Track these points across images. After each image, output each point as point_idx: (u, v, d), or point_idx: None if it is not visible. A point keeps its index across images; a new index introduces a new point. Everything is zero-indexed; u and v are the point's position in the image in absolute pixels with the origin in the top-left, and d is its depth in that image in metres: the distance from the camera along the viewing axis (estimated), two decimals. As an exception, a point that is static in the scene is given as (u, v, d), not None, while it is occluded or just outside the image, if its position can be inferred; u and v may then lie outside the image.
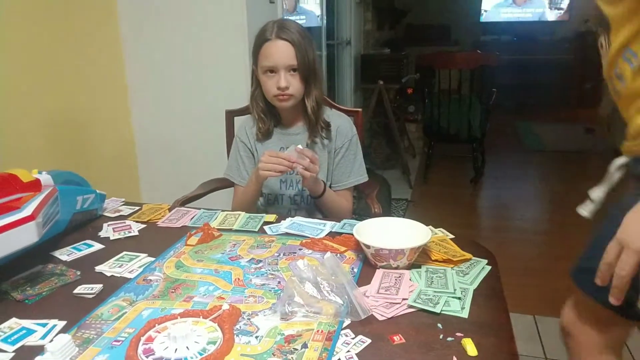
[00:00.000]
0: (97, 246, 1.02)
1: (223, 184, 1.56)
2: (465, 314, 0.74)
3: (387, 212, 2.76)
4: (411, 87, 4.57)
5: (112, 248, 1.01)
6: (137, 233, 1.08)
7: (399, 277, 0.84)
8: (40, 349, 0.67)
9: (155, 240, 1.05)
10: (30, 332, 0.72)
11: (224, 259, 0.94)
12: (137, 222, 1.14)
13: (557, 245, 2.60)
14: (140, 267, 0.92)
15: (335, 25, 3.89)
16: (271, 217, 1.13)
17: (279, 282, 0.85)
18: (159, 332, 0.70)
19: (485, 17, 6.67)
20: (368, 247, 0.87)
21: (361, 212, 1.56)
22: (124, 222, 1.13)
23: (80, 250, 1.00)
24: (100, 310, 0.78)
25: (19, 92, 1.62)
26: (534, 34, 6.38)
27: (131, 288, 0.85)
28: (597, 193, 0.93)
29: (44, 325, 0.74)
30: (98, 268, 0.92)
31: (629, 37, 0.76)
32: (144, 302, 0.80)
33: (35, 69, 1.68)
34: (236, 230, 1.08)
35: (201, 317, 0.74)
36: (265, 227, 1.08)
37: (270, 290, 0.82)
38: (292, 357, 0.65)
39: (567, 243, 2.49)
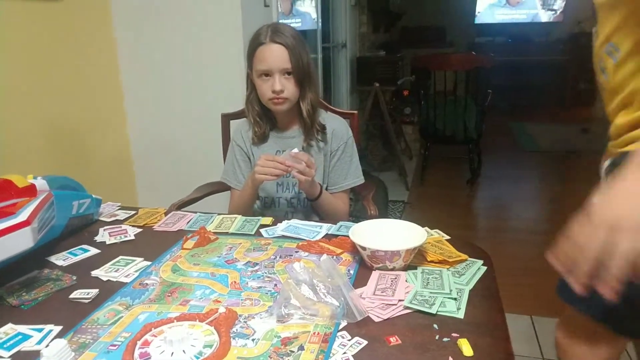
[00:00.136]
0: (93, 251, 1.02)
1: (219, 187, 1.56)
2: (461, 315, 0.74)
3: (384, 214, 2.76)
4: (407, 89, 4.58)
5: (108, 252, 1.01)
6: (133, 237, 1.08)
7: (395, 278, 0.84)
8: (36, 354, 0.67)
9: (152, 244, 1.05)
10: (26, 337, 0.72)
11: (220, 262, 0.94)
12: (133, 226, 1.14)
13: (553, 246, 2.60)
14: (136, 271, 0.92)
15: (331, 28, 3.90)
16: (267, 220, 1.13)
17: (276, 285, 0.85)
18: (156, 336, 0.70)
19: (478, 19, 6.71)
20: (364, 248, 0.87)
21: (357, 214, 1.57)
22: (120, 227, 1.13)
23: (76, 255, 1.00)
24: (97, 314, 0.78)
25: (14, 97, 1.62)
26: (529, 35, 6.41)
27: (127, 292, 0.84)
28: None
29: (39, 330, 0.74)
30: (94, 273, 0.91)
31: (612, 29, 0.74)
32: (140, 306, 0.80)
33: (31, 74, 1.68)
34: (232, 234, 1.08)
35: (197, 320, 0.74)
36: (262, 230, 1.08)
37: (267, 293, 0.82)
38: (288, 360, 0.65)
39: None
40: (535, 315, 1.98)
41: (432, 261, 0.90)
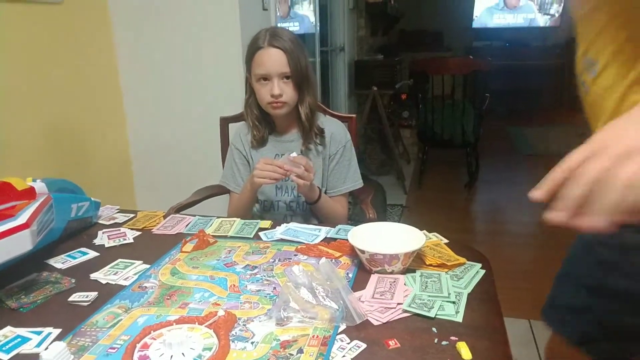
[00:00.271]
0: (92, 254, 1.02)
1: (218, 190, 1.56)
2: (459, 318, 0.74)
3: (382, 217, 2.77)
4: (405, 92, 4.59)
5: (107, 255, 1.01)
6: (132, 240, 1.08)
7: (394, 281, 0.84)
8: (35, 357, 0.66)
9: (150, 247, 1.05)
10: (25, 340, 0.72)
11: (219, 265, 0.95)
12: (132, 229, 1.14)
13: (551, 249, 2.61)
14: (135, 274, 0.92)
15: (329, 32, 3.91)
16: (266, 224, 1.13)
17: (275, 288, 0.85)
18: (155, 339, 0.71)
19: (476, 22, 6.74)
20: (363, 252, 0.87)
21: (356, 218, 1.57)
22: (119, 230, 1.13)
23: (75, 258, 1.00)
24: (96, 317, 0.78)
25: (13, 99, 1.62)
26: (526, 39, 6.45)
27: (126, 295, 0.84)
28: None
29: (38, 333, 0.74)
30: (93, 275, 0.91)
31: (589, 41, 0.72)
32: (139, 309, 0.80)
33: (30, 76, 1.68)
34: (231, 237, 1.08)
35: (197, 323, 0.74)
36: (261, 234, 1.08)
37: (266, 296, 0.83)
38: (287, 363, 0.65)
39: (561, 247, 2.50)
40: (534, 319, 1.98)
41: (430, 264, 0.90)
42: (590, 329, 0.77)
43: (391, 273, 0.87)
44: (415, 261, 0.90)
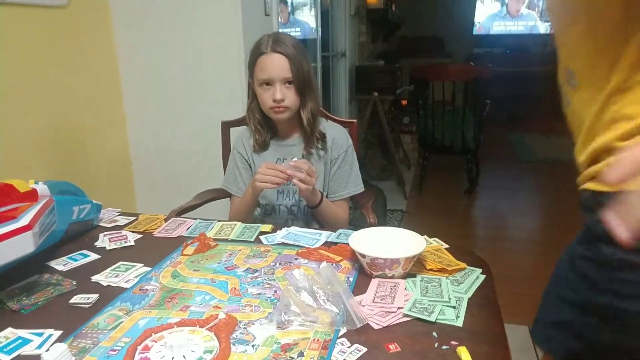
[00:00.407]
0: (93, 256, 1.02)
1: (219, 194, 1.57)
2: (460, 323, 0.74)
3: (382, 222, 2.77)
4: (405, 98, 4.61)
5: (108, 258, 1.01)
6: (133, 243, 1.08)
7: (394, 286, 0.84)
8: (36, 359, 0.67)
9: (152, 250, 1.05)
10: (26, 341, 0.72)
11: (220, 268, 0.95)
12: (133, 232, 1.14)
13: (551, 255, 2.61)
14: (136, 276, 0.92)
15: (330, 37, 3.93)
16: (267, 227, 1.14)
17: (275, 292, 0.85)
18: (156, 342, 0.71)
19: (478, 29, 6.77)
20: (363, 256, 0.88)
21: (356, 223, 1.57)
22: (120, 232, 1.14)
23: (76, 260, 1.00)
24: (97, 319, 0.78)
25: (15, 101, 1.63)
26: (527, 46, 6.47)
27: (127, 298, 0.85)
28: None
29: (39, 334, 0.74)
30: (94, 278, 0.92)
31: (567, 55, 0.71)
32: (140, 311, 0.80)
33: (32, 79, 1.69)
34: (232, 240, 1.08)
35: (198, 326, 0.74)
36: (261, 237, 1.09)
37: (267, 300, 0.83)
38: (288, 366, 0.65)
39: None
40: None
41: (431, 269, 0.90)
42: (574, 345, 0.77)
43: (392, 277, 0.87)
44: (416, 266, 0.90)
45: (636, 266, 0.64)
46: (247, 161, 1.38)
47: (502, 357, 0.68)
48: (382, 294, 0.82)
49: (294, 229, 1.12)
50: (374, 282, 0.86)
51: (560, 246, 0.85)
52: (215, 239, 1.08)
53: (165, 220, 1.21)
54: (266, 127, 1.35)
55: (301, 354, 0.68)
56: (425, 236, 0.97)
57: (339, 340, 0.71)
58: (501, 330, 0.75)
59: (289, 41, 1.25)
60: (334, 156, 1.35)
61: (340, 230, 1.10)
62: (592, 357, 0.76)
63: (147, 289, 0.87)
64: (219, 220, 1.19)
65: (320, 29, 3.56)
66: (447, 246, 1.00)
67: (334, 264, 0.95)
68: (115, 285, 0.89)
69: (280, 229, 1.12)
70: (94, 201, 1.18)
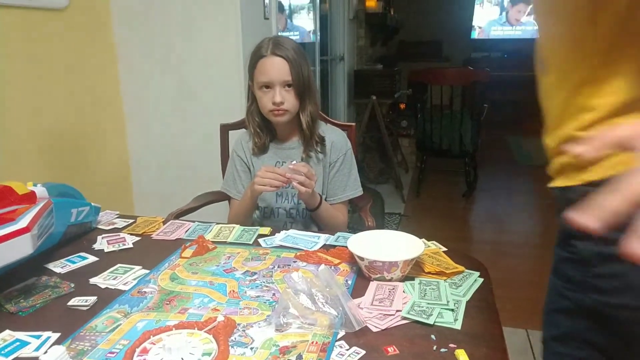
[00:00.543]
0: (91, 258, 1.02)
1: (217, 197, 1.57)
2: (458, 326, 0.75)
3: (380, 226, 2.77)
4: (404, 102, 4.62)
5: (107, 260, 1.01)
6: (131, 245, 1.08)
7: (393, 289, 0.85)
8: (34, 361, 0.67)
9: (150, 252, 1.05)
10: (24, 343, 0.72)
11: (218, 271, 0.95)
12: (131, 234, 1.14)
13: (549, 259, 2.62)
14: (134, 279, 0.92)
15: (329, 41, 3.94)
16: (265, 230, 1.14)
17: (274, 294, 0.85)
18: (154, 344, 0.71)
19: (478, 34, 6.79)
20: (362, 259, 0.88)
21: (354, 226, 1.57)
22: (119, 235, 1.14)
23: (74, 262, 1.00)
24: (95, 322, 0.78)
25: (14, 104, 1.63)
26: (524, 50, 6.48)
27: (125, 300, 0.85)
28: None
29: (37, 337, 0.74)
30: (92, 280, 0.92)
31: (541, 43, 0.72)
32: (138, 314, 0.80)
33: (31, 82, 1.69)
34: (231, 243, 1.08)
35: (196, 328, 0.74)
36: (260, 240, 1.09)
37: (265, 302, 0.83)
38: (287, 369, 0.65)
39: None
40: (531, 328, 1.98)
41: (429, 272, 0.90)
42: (585, 354, 0.76)
43: (390, 280, 0.87)
44: (414, 269, 0.90)
45: (612, 258, 0.64)
46: (246, 164, 1.38)
47: (500, 360, 0.69)
48: (380, 297, 0.82)
49: (292, 232, 1.12)
50: (373, 285, 0.86)
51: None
52: (213, 242, 1.08)
53: (164, 222, 1.21)
54: (265, 130, 1.35)
55: (299, 357, 0.68)
56: (423, 239, 0.97)
57: (337, 343, 0.71)
58: (499, 333, 0.75)
59: (289, 44, 1.25)
60: (333, 159, 1.35)
61: (338, 233, 1.10)
62: None
63: (145, 292, 0.87)
64: (217, 223, 1.19)
65: (319, 33, 3.57)
66: (445, 249, 1.01)
67: (333, 267, 0.95)
68: (113, 287, 0.89)
69: (279, 232, 1.12)
70: (92, 203, 1.18)
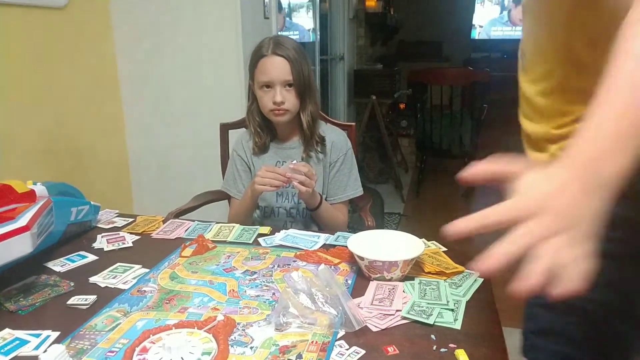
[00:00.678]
0: (91, 257, 1.02)
1: (217, 196, 1.57)
2: (458, 326, 0.75)
3: (380, 226, 2.77)
4: (403, 102, 4.62)
5: (106, 259, 1.01)
6: (131, 244, 1.08)
7: (393, 288, 0.85)
8: (34, 360, 0.67)
9: (150, 251, 1.05)
10: (23, 342, 0.72)
11: (218, 270, 0.95)
12: (131, 233, 1.14)
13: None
14: (134, 278, 0.92)
15: (329, 41, 3.94)
16: (265, 229, 1.14)
17: (274, 294, 0.85)
18: (154, 343, 0.71)
19: (478, 33, 6.79)
20: (362, 259, 0.88)
21: (354, 226, 1.57)
22: (118, 234, 1.13)
23: (74, 261, 1.00)
24: (94, 321, 0.78)
25: (13, 103, 1.62)
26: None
27: (125, 299, 0.85)
28: None
29: (37, 335, 0.73)
30: (92, 279, 0.91)
31: (523, 36, 0.75)
32: (138, 313, 0.80)
33: (30, 81, 1.69)
34: (230, 242, 1.08)
35: (196, 327, 0.74)
36: (260, 239, 1.09)
37: (265, 302, 0.83)
38: (286, 368, 0.65)
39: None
40: (530, 329, 1.98)
41: (429, 272, 0.90)
42: (562, 348, 0.77)
43: (390, 280, 0.87)
44: (414, 269, 0.90)
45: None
46: (246, 163, 1.38)
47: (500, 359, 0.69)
48: (380, 297, 0.82)
49: (292, 232, 1.12)
50: (372, 285, 0.86)
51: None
52: (213, 241, 1.08)
53: (164, 221, 1.21)
54: (266, 130, 1.35)
55: (299, 356, 0.68)
56: (423, 239, 0.97)
57: (337, 343, 0.71)
58: (499, 333, 0.75)
59: (289, 44, 1.25)
60: (333, 159, 1.35)
61: (338, 233, 1.10)
62: (581, 356, 0.77)
63: (145, 291, 0.87)
64: (217, 222, 1.19)
65: (318, 33, 3.57)
66: (445, 249, 1.01)
67: (333, 267, 0.95)
68: (113, 286, 0.89)
69: (279, 231, 1.12)
70: (92, 202, 1.18)
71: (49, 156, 1.79)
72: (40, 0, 1.68)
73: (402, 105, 4.62)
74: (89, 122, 1.98)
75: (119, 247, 1.07)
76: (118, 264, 0.98)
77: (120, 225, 1.20)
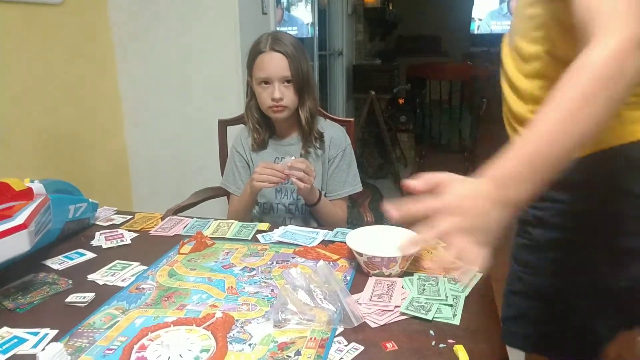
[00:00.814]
0: (89, 255, 1.02)
1: (216, 192, 1.56)
2: (457, 321, 0.74)
3: (379, 221, 2.76)
4: (402, 97, 4.61)
5: (105, 257, 1.00)
6: (129, 242, 1.08)
7: (392, 284, 0.84)
8: (32, 358, 0.66)
9: (148, 248, 1.04)
10: (21, 340, 0.72)
11: (217, 267, 0.95)
12: (129, 230, 1.14)
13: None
14: (132, 275, 0.92)
15: (328, 36, 3.93)
16: (264, 226, 1.14)
17: (272, 290, 0.85)
18: (152, 340, 0.70)
19: (477, 27, 6.77)
20: (361, 255, 0.88)
21: (353, 221, 1.57)
22: (117, 231, 1.13)
23: (72, 259, 1.00)
24: (93, 318, 0.77)
25: (11, 101, 1.62)
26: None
27: (124, 296, 0.84)
28: None
29: (35, 334, 0.73)
30: (90, 277, 0.91)
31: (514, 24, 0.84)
32: (136, 310, 0.80)
33: (29, 78, 1.68)
34: (229, 239, 1.08)
35: (194, 325, 0.74)
36: (258, 236, 1.09)
37: (264, 298, 0.83)
38: (285, 365, 0.65)
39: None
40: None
41: (428, 268, 0.90)
42: (535, 333, 0.80)
43: (389, 276, 0.87)
44: (413, 264, 0.90)
45: (562, 244, 0.73)
46: (245, 160, 1.37)
47: (499, 356, 0.68)
48: (379, 293, 0.82)
49: (291, 228, 1.12)
50: (371, 281, 0.86)
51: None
52: (212, 238, 1.07)
53: (162, 218, 1.21)
54: (265, 126, 1.34)
55: (298, 353, 0.67)
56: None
57: (336, 339, 0.71)
58: (498, 327, 0.75)
59: (288, 40, 1.25)
60: (332, 155, 1.35)
61: (337, 229, 1.10)
62: (552, 343, 0.80)
63: (143, 288, 0.87)
64: (215, 219, 1.19)
65: (317, 28, 3.56)
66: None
67: (331, 263, 0.95)
68: (111, 284, 0.89)
69: (278, 228, 1.12)
70: (90, 200, 1.17)
71: (47, 153, 1.78)
72: (37, -3, 1.67)
73: (401, 101, 4.62)
74: (87, 119, 1.97)
75: (117, 244, 1.06)
76: (116, 261, 0.97)
77: (118, 223, 1.19)
